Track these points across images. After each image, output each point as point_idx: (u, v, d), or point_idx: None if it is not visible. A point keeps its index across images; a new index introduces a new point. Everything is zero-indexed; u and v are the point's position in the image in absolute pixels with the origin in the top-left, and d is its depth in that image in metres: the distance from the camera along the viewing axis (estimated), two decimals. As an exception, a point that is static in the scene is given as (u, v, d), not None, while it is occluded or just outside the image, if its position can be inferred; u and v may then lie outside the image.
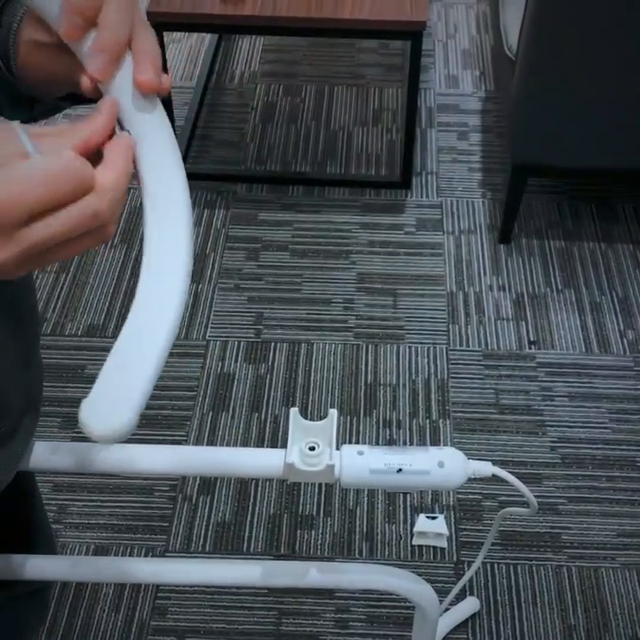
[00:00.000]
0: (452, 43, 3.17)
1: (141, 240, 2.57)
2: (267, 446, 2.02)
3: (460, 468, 0.85)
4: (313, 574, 0.90)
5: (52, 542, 1.17)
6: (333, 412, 0.88)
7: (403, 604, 1.75)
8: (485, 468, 0.87)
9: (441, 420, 2.07)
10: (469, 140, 2.81)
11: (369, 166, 2.72)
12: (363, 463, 0.85)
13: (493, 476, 0.87)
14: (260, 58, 3.09)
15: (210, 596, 1.79)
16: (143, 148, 0.63)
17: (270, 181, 2.67)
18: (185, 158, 2.65)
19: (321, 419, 0.87)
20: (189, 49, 3.12)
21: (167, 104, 2.47)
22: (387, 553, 1.86)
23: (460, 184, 2.66)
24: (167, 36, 2.91)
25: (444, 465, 0.84)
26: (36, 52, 0.68)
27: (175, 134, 0.68)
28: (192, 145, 2.76)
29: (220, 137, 2.81)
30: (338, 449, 0.86)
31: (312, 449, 0.85)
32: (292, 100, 2.93)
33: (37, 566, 0.91)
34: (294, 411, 0.87)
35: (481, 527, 1.89)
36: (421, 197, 2.62)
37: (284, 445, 0.87)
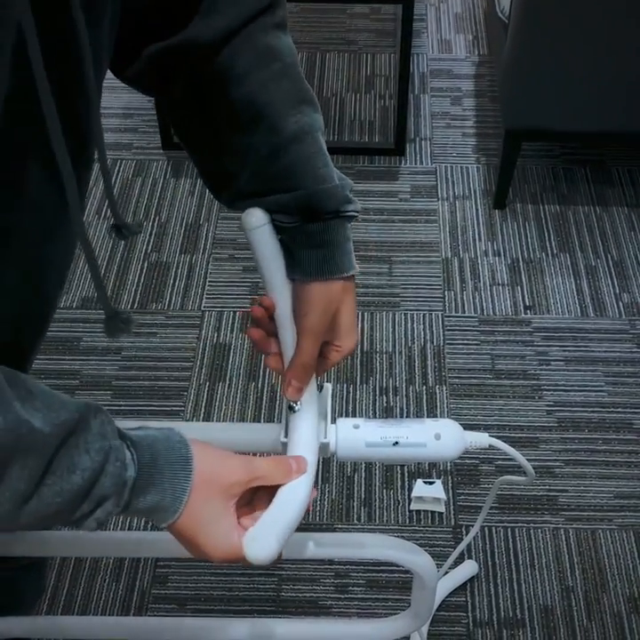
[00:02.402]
0: (445, 7, 3.14)
1: (133, 213, 2.52)
2: (264, 415, 2.03)
3: (457, 440, 0.85)
4: (311, 547, 0.90)
5: None
6: (328, 386, 0.87)
7: (401, 568, 1.76)
8: (482, 439, 0.86)
9: (437, 387, 2.08)
10: (463, 105, 2.79)
11: (362, 133, 2.70)
12: (358, 437, 0.84)
13: (490, 446, 0.87)
14: (251, 25, 3.06)
15: (209, 564, 1.80)
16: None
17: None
18: (177, 128, 2.63)
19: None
20: (179, 17, 3.08)
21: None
22: (385, 518, 1.87)
23: (454, 150, 2.65)
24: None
25: (440, 437, 0.84)
26: None
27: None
28: (184, 114, 2.74)
29: (211, 106, 2.78)
30: (333, 423, 0.86)
31: None
32: (284, 68, 2.90)
33: (33, 543, 0.91)
34: None
35: (478, 491, 1.90)
36: (415, 164, 2.61)
37: (281, 414, 0.86)
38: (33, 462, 0.63)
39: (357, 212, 0.86)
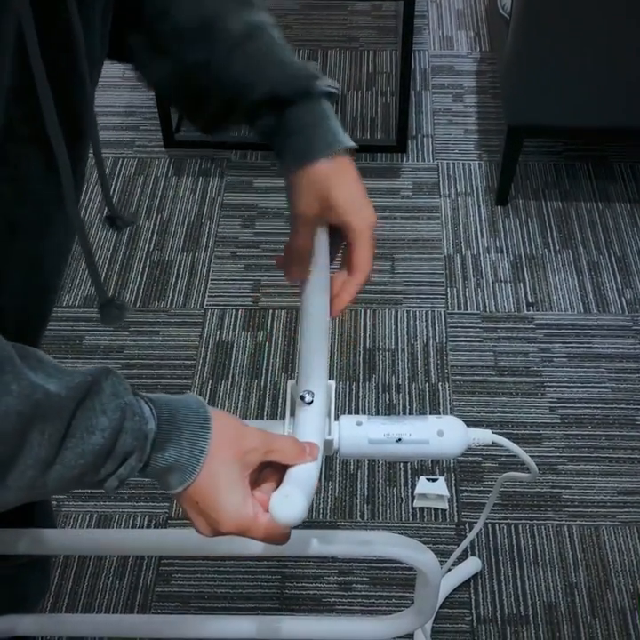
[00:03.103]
0: (446, 3, 3.13)
1: (135, 212, 2.51)
2: (267, 413, 2.03)
3: (460, 437, 0.84)
4: (314, 544, 0.89)
5: (50, 511, 1.18)
6: (331, 384, 0.87)
7: (405, 565, 1.76)
8: (485, 436, 0.86)
9: (440, 384, 2.08)
10: (465, 101, 2.78)
11: (364, 130, 2.70)
12: (361, 434, 0.84)
13: (493, 443, 0.87)
14: (252, 22, 3.05)
15: (213, 562, 1.80)
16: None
17: (264, 148, 2.63)
18: (178, 126, 2.63)
19: None
20: (180, 15, 3.08)
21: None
22: (388, 515, 1.87)
23: (456, 146, 2.65)
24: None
25: (443, 434, 0.83)
26: None
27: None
28: (185, 112, 2.73)
29: (213, 104, 2.78)
30: (336, 420, 0.86)
31: None
32: (285, 65, 2.90)
33: (37, 541, 0.91)
34: (292, 383, 0.86)
35: (481, 488, 1.90)
36: (417, 161, 2.61)
37: (285, 412, 0.86)
38: (51, 427, 0.63)
39: (331, 88, 0.84)
